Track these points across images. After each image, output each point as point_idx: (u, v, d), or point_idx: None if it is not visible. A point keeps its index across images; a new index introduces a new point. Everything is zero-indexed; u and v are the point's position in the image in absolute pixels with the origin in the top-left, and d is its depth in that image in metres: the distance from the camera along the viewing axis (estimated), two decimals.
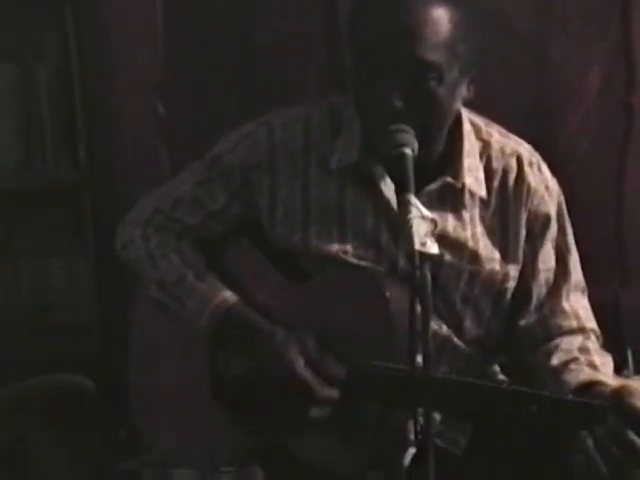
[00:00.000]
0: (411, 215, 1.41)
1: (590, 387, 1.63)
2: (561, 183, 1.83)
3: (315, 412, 1.67)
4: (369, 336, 1.65)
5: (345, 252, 1.73)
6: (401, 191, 1.48)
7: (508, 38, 2.28)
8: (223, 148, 1.81)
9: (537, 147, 1.83)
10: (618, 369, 1.73)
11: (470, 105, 1.84)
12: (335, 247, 1.73)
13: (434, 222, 1.41)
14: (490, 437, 1.73)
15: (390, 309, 1.63)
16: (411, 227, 1.39)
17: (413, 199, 1.44)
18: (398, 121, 1.58)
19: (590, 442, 1.50)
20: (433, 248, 1.37)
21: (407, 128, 1.58)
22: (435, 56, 1.57)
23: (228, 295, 1.76)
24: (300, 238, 1.75)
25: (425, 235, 1.38)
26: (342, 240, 1.73)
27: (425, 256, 1.36)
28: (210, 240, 1.85)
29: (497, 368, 1.91)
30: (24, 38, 2.44)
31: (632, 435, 1.48)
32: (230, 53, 2.34)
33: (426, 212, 1.41)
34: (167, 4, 2.34)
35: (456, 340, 1.76)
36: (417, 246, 1.36)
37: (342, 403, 1.66)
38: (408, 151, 1.54)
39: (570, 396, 1.56)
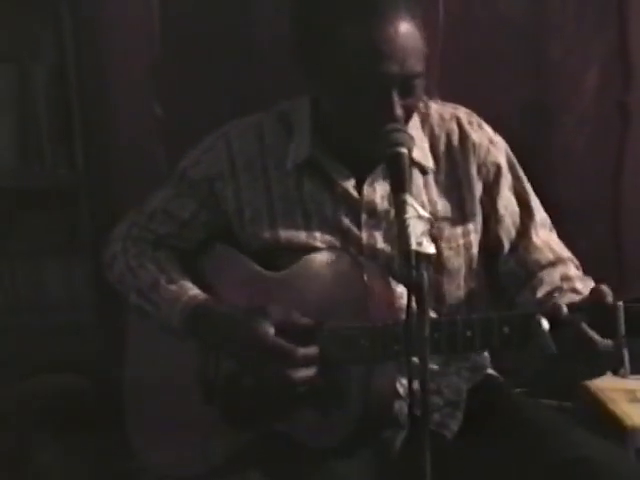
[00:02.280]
0: (408, 215, 1.44)
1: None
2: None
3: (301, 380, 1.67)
4: (348, 310, 1.69)
5: (314, 238, 1.80)
6: (397, 190, 1.51)
7: (505, 38, 2.29)
8: (187, 163, 1.92)
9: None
10: (615, 369, 1.72)
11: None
12: (303, 235, 1.81)
13: (430, 221, 1.45)
14: (481, 420, 1.78)
15: (367, 284, 1.69)
16: (408, 227, 1.42)
17: (410, 199, 1.47)
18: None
19: (544, 323, 1.53)
20: (430, 248, 1.40)
21: (403, 127, 1.65)
22: (421, 65, 1.67)
23: (196, 293, 1.81)
24: (269, 234, 1.82)
25: (421, 235, 1.41)
26: (308, 228, 1.81)
27: (422, 256, 1.38)
28: (188, 251, 1.92)
29: (487, 356, 1.94)
30: (21, 38, 2.44)
31: (585, 327, 1.53)
32: (228, 53, 2.34)
33: (422, 212, 1.44)
34: (164, 4, 2.34)
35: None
36: (414, 246, 1.39)
37: (323, 373, 1.68)
38: (404, 150, 1.59)
39: (536, 311, 1.59)
